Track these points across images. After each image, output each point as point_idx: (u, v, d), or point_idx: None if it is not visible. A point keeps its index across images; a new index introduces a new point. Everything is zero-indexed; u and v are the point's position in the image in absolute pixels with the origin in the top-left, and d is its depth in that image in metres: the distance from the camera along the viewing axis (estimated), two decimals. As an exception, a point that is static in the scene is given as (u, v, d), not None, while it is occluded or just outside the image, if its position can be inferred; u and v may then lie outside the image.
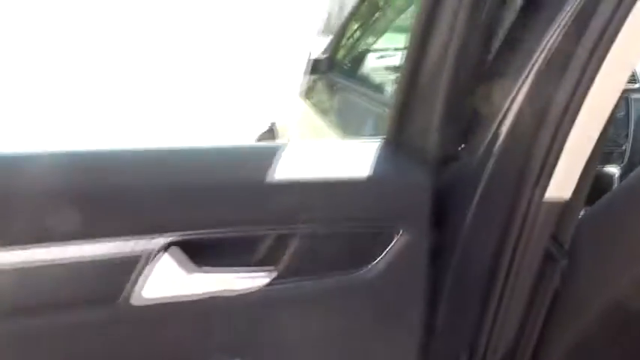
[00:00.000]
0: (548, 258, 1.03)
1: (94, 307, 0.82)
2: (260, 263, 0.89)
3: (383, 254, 0.94)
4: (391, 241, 0.94)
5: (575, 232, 1.04)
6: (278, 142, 0.91)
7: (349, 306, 0.96)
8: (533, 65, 0.92)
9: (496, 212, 0.98)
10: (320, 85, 2.61)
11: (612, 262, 1.03)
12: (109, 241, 0.80)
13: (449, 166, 1.03)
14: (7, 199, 0.80)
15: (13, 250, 0.78)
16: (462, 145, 1.03)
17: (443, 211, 1.00)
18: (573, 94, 0.89)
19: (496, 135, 0.96)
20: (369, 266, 0.94)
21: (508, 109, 0.95)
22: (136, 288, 0.81)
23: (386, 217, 0.95)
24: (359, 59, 2.54)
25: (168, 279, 0.83)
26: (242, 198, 0.88)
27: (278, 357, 0.95)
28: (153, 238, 0.81)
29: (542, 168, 0.93)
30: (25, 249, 0.79)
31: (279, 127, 2.67)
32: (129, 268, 0.81)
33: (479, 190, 0.97)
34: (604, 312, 1.04)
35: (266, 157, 0.93)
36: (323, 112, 2.50)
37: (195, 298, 0.85)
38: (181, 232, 0.83)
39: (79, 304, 0.82)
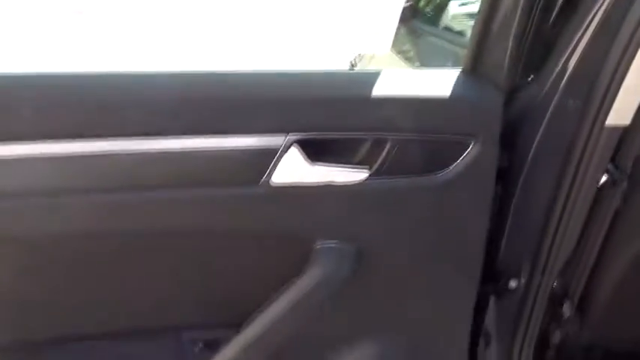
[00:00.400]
0: (609, 180, 1.12)
1: (244, 185, 1.04)
2: (358, 163, 1.07)
3: (457, 162, 1.08)
4: (464, 152, 1.07)
5: (638, 159, 1.13)
6: (377, 69, 1.10)
7: (427, 202, 1.11)
8: (599, 8, 1.02)
9: (561, 136, 1.08)
10: (403, 32, 2.71)
11: None
12: (254, 137, 1.03)
13: (519, 95, 1.13)
14: (189, 102, 1.03)
15: (183, 138, 1.02)
16: (531, 77, 1.13)
17: (513, 135, 1.11)
18: (634, 33, 0.98)
19: (564, 69, 1.06)
20: (446, 170, 1.08)
21: (575, 47, 1.05)
22: (273, 173, 1.03)
23: (461, 131, 1.07)
24: (441, 7, 2.59)
25: (292, 169, 1.03)
26: (348, 109, 1.06)
27: (365, 240, 1.12)
28: (286, 136, 1.02)
29: (603, 99, 1.02)
30: (194, 138, 1.01)
31: (359, 63, 2.78)
32: (268, 157, 1.03)
33: (546, 117, 1.08)
34: None
35: (367, 78, 1.09)
36: (406, 58, 2.57)
37: (310, 185, 1.05)
38: (303, 133, 1.03)
39: (232, 182, 1.04)
